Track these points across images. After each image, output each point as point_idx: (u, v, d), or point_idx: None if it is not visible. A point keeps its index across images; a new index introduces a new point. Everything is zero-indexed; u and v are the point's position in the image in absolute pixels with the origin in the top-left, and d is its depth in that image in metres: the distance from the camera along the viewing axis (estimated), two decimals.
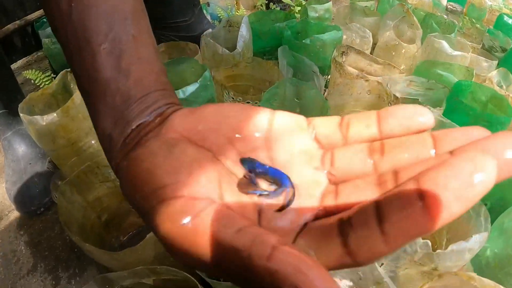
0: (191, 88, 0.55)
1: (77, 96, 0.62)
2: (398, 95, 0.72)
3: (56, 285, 0.65)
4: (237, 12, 1.23)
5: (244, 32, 0.78)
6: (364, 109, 0.69)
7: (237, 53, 0.73)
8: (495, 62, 0.98)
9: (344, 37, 0.84)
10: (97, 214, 0.62)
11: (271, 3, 1.28)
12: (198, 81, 0.55)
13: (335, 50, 0.75)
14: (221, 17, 1.21)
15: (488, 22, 1.30)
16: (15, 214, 0.76)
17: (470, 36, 1.13)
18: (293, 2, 1.10)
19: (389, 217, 0.13)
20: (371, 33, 0.85)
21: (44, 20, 1.09)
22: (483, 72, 0.94)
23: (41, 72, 0.93)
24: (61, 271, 0.67)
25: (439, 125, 0.62)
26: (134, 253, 0.46)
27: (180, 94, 0.54)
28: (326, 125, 0.18)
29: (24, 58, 1.14)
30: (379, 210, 0.13)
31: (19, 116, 0.77)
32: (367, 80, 0.64)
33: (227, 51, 0.72)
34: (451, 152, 0.14)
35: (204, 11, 1.23)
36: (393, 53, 0.80)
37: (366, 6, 1.06)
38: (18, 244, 0.72)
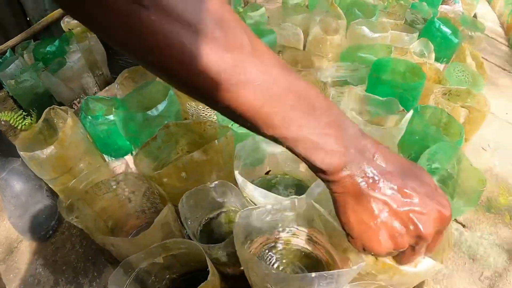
0: (161, 106, 0.78)
1: (67, 128, 0.82)
2: (329, 79, 0.99)
3: None
4: None
5: None
6: None
7: None
8: (416, 34, 1.26)
9: (279, 37, 1.09)
10: (104, 222, 0.83)
11: None
12: (166, 99, 0.78)
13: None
14: None
15: None
16: (25, 244, 0.95)
17: (394, 14, 1.43)
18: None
19: None
20: (301, 30, 1.11)
21: (0, 61, 1.25)
22: (405, 45, 1.23)
23: (13, 112, 1.11)
24: (81, 279, 0.87)
25: (364, 99, 0.89)
26: (148, 235, 0.66)
27: (154, 112, 0.77)
28: None
29: None
30: None
31: (10, 156, 0.96)
32: (300, 71, 0.90)
33: None
34: None
35: None
36: (321, 46, 1.07)
37: (297, 3, 1.33)
38: (35, 269, 0.91)
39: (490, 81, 1.48)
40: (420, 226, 0.36)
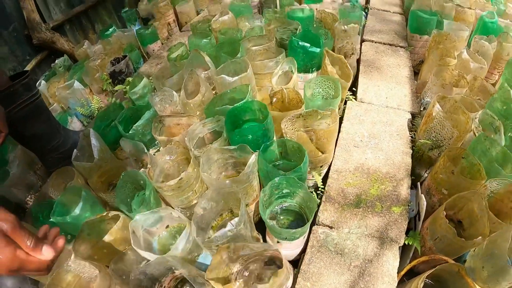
0: (78, 209, 1.08)
1: None
2: (202, 134, 1.26)
3: None
4: (92, 103, 1.74)
5: (94, 142, 1.30)
6: (183, 157, 1.22)
7: (96, 161, 1.25)
8: (282, 55, 1.49)
9: (158, 106, 1.36)
10: None
11: (116, 83, 1.78)
12: (82, 200, 1.08)
13: (153, 124, 1.28)
14: (83, 114, 1.72)
15: None
16: None
17: (265, 37, 1.65)
18: (124, 85, 1.61)
19: None
20: (174, 93, 1.36)
21: None
22: (272, 70, 1.48)
23: None
24: None
25: (223, 151, 1.14)
26: None
27: (76, 211, 1.06)
28: None
29: None
30: None
31: None
32: (171, 142, 1.18)
33: (89, 163, 1.24)
34: None
35: (69, 117, 1.74)
36: (187, 108, 1.33)
37: (178, 55, 1.57)
38: None
39: (373, 66, 1.72)
40: None
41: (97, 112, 1.76)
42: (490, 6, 2.45)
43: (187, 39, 1.70)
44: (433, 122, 1.33)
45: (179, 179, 1.08)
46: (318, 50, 1.49)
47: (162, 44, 2.14)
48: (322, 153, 1.21)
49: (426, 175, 1.44)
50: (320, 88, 1.41)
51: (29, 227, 1.18)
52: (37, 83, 2.04)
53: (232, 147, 1.12)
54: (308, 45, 1.48)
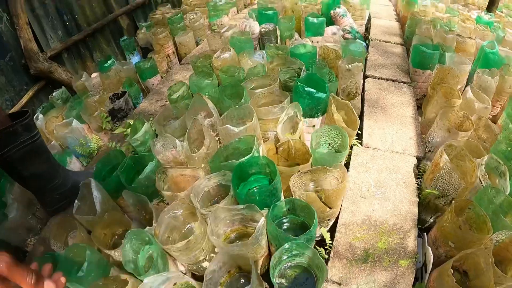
0: (84, 267, 1.06)
1: None
2: (207, 188, 1.26)
3: None
4: (92, 142, 1.73)
5: (96, 194, 1.29)
6: (188, 211, 1.22)
7: (98, 214, 1.24)
8: (287, 100, 1.49)
9: (161, 155, 1.36)
10: None
11: (115, 120, 1.77)
12: (86, 260, 1.07)
13: (156, 176, 1.27)
14: (82, 153, 1.71)
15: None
16: None
17: (268, 77, 1.65)
18: (124, 127, 1.60)
19: None
20: (177, 141, 1.35)
21: None
22: (277, 115, 1.48)
23: None
24: None
25: (230, 210, 1.13)
26: None
27: (81, 273, 1.05)
28: None
29: None
30: None
31: None
32: (176, 196, 1.17)
33: (92, 216, 1.23)
34: None
35: (68, 158, 1.73)
36: (192, 161, 1.33)
37: (180, 95, 1.57)
38: None
39: (377, 106, 1.72)
40: None
41: (96, 151, 1.75)
42: (489, 33, 2.48)
43: (189, 78, 1.69)
44: (440, 172, 1.33)
45: (187, 241, 1.08)
46: (324, 95, 1.49)
47: (162, 78, 2.13)
48: (330, 208, 1.21)
49: (431, 220, 1.45)
50: (327, 136, 1.41)
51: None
52: (34, 117, 2.02)
53: (240, 206, 1.12)
54: (314, 90, 1.48)
